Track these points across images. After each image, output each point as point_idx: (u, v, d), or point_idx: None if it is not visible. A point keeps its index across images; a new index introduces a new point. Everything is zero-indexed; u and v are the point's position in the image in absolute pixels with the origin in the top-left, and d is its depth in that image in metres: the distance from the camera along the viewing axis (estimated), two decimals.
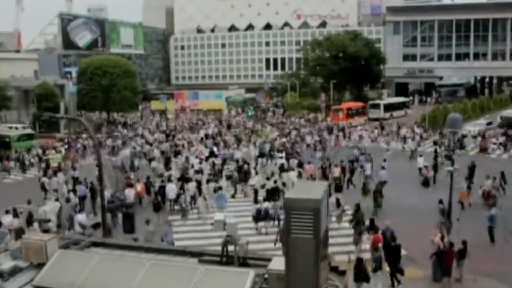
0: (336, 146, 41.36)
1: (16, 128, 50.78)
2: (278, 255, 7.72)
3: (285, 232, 20.05)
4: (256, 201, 22.76)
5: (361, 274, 13.79)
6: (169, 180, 26.52)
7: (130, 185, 25.97)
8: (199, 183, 25.69)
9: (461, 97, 76.35)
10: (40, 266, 8.06)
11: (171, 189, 24.64)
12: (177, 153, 36.35)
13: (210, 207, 23.48)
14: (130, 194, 24.43)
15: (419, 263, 17.19)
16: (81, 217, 20.36)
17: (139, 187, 26.10)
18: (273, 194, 23.61)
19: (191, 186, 25.00)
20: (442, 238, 16.31)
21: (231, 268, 7.98)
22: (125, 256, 8.71)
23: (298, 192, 7.13)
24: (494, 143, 39.48)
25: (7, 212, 20.21)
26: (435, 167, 29.07)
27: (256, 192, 25.11)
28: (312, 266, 6.59)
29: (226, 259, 8.51)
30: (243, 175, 28.24)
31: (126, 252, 9.11)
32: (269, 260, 7.60)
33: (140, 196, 25.49)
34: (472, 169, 27.89)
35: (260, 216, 21.09)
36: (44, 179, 28.45)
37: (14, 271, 8.08)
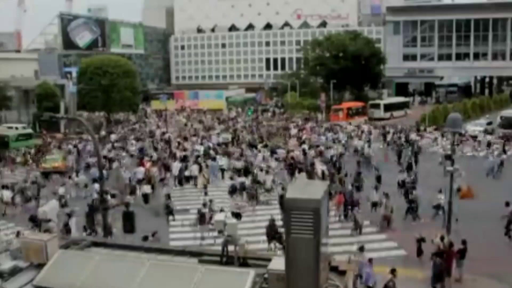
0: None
1: (16, 128, 50.83)
2: (279, 255, 7.72)
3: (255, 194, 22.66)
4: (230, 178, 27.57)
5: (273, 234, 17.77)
6: (184, 159, 32.46)
7: (142, 164, 30.96)
8: (199, 164, 31.13)
9: (455, 97, 76.23)
10: (40, 266, 8.06)
11: (175, 167, 30.21)
12: (166, 168, 31.02)
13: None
14: (140, 171, 29.09)
15: (420, 264, 17.21)
16: (97, 186, 23.13)
17: (149, 164, 30.78)
18: (243, 171, 28.99)
19: (194, 168, 30.09)
20: (442, 238, 16.32)
21: (231, 268, 7.99)
22: (125, 256, 8.72)
23: (298, 192, 7.12)
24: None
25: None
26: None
27: (223, 171, 30.77)
28: (312, 266, 6.59)
29: (226, 259, 8.52)
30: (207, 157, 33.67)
31: (126, 252, 9.12)
32: (269, 260, 7.60)
33: (149, 172, 29.30)
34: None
35: (235, 190, 25.46)
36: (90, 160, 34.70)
37: (14, 271, 8.09)
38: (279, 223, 18.75)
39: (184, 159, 32.92)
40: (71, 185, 28.53)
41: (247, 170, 29.31)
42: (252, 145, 38.57)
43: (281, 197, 21.83)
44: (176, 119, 62.70)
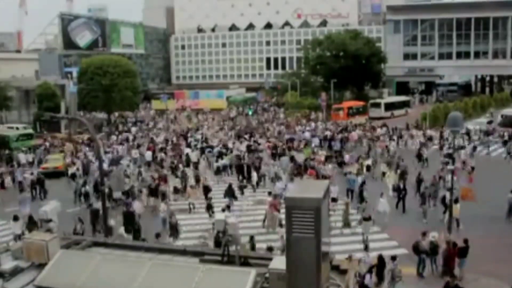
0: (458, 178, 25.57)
1: (17, 128, 50.88)
2: (279, 255, 7.71)
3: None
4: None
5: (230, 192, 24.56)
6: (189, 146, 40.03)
7: (150, 148, 37.92)
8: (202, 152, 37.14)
9: (455, 95, 76.28)
10: (41, 266, 8.07)
11: (186, 151, 37.07)
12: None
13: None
14: (148, 154, 35.54)
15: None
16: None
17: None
18: (221, 155, 34.99)
19: (194, 155, 35.23)
20: (423, 234, 17.03)
21: (232, 267, 7.99)
22: (126, 256, 8.72)
23: (298, 191, 7.12)
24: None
25: None
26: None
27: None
28: (313, 265, 6.59)
29: (227, 259, 8.52)
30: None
31: (127, 252, 9.12)
32: (270, 259, 7.61)
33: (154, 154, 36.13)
34: None
35: (219, 171, 31.37)
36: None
37: (16, 271, 8.10)
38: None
39: (189, 146, 39.75)
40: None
41: (222, 154, 35.62)
42: (240, 137, 43.94)
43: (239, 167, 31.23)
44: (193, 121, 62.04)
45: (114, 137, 48.03)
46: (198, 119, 62.54)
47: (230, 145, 39.59)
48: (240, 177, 30.45)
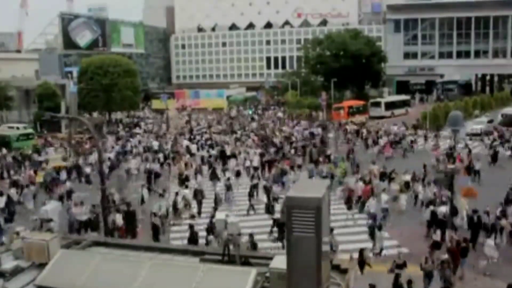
0: None
1: (17, 128, 50.91)
2: (280, 254, 7.71)
3: None
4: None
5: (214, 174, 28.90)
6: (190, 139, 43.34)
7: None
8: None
9: (455, 95, 76.27)
10: (42, 265, 8.07)
11: (186, 143, 40.27)
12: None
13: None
14: (156, 144, 39.48)
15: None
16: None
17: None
18: (212, 146, 39.15)
19: (193, 147, 38.37)
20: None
21: (233, 267, 7.98)
22: (126, 256, 8.71)
23: (299, 190, 7.10)
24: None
25: None
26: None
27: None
28: (314, 264, 6.58)
29: (227, 258, 8.51)
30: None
31: (127, 251, 9.11)
32: (270, 258, 7.59)
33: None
34: None
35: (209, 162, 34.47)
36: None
37: (16, 271, 8.09)
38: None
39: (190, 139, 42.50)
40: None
41: (212, 145, 39.33)
42: (233, 132, 47.31)
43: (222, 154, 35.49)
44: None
45: (138, 129, 53.71)
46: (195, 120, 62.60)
47: (241, 154, 35.10)
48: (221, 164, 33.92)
